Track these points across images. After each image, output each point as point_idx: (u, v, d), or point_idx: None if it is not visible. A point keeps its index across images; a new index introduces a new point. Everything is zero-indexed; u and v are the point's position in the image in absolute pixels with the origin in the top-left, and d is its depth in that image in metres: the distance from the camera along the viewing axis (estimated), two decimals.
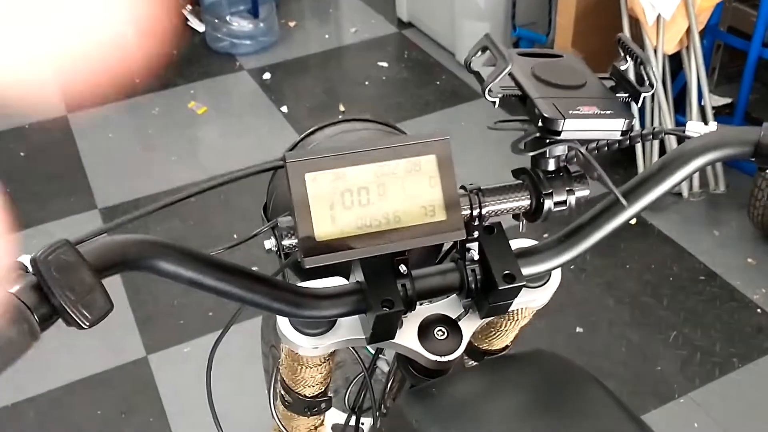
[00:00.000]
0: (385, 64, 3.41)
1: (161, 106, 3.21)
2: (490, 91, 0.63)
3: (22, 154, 2.95)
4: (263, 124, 3.07)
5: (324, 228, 0.61)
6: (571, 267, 2.26)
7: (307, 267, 0.61)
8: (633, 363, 2.01)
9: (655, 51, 2.41)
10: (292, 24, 3.77)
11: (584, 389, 0.67)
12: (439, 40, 3.45)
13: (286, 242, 0.64)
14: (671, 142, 2.34)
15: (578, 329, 2.10)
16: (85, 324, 0.53)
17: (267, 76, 3.37)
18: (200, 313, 2.20)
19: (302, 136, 1.00)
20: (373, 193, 0.62)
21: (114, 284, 2.29)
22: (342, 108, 3.11)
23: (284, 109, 3.13)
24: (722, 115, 2.68)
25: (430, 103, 3.11)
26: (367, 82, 3.31)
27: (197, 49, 3.58)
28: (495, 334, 0.87)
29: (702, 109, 2.46)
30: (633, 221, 2.38)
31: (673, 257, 2.31)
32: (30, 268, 0.53)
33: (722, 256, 2.29)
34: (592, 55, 2.94)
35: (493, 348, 0.89)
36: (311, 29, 3.78)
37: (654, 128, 0.79)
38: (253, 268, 0.66)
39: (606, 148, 0.79)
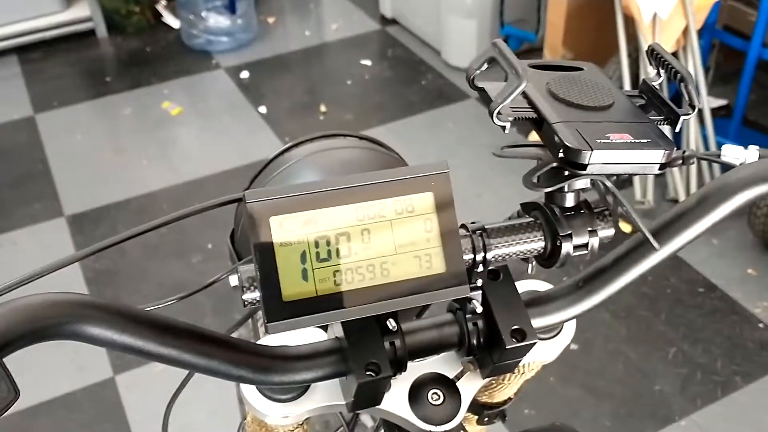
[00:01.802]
0: (368, 63, 3.29)
1: (133, 106, 3.06)
2: (499, 113, 0.51)
3: None
4: (241, 125, 2.94)
5: (293, 286, 0.49)
6: (564, 279, 2.15)
7: (271, 334, 0.49)
8: (630, 382, 1.90)
9: None
10: (270, 20, 3.63)
11: None
12: (425, 37, 3.33)
13: (248, 296, 0.52)
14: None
15: (573, 346, 1.99)
16: None
17: (245, 74, 3.23)
18: None
19: (277, 153, 0.87)
20: (355, 240, 0.50)
21: (78, 287, 2.16)
22: (323, 109, 2.98)
23: (262, 109, 3.00)
24: (718, 117, 2.58)
25: (415, 104, 2.98)
26: (349, 81, 3.18)
27: (172, 47, 3.44)
28: (497, 387, 0.75)
29: (699, 112, 2.36)
30: (628, 229, 2.29)
31: (671, 268, 2.20)
32: None
33: (722, 266, 2.19)
34: (583, 55, 2.83)
35: (493, 401, 0.78)
36: (291, 26, 3.64)
37: (684, 152, 0.67)
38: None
39: (626, 176, 0.67)
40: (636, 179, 2.36)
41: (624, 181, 2.38)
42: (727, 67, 2.74)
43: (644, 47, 2.32)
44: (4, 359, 0.43)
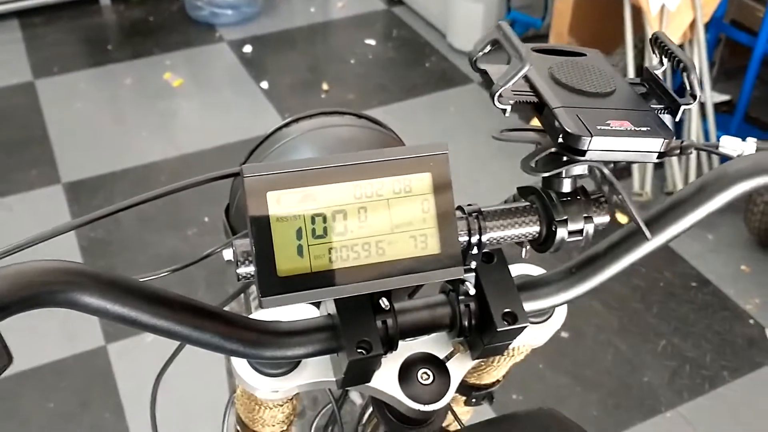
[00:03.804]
0: (372, 42, 3.27)
1: (134, 75, 3.05)
2: (500, 96, 0.51)
3: None
4: (242, 100, 2.92)
5: (288, 261, 0.49)
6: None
7: (264, 308, 0.49)
8: (619, 373, 1.91)
9: None
10: None
11: None
12: (431, 19, 3.31)
13: (242, 270, 0.51)
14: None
15: (563, 334, 2.00)
16: None
17: (248, 49, 3.21)
18: None
19: (275, 128, 0.87)
20: (352, 218, 0.50)
21: (72, 256, 2.15)
22: (325, 87, 2.97)
23: (264, 85, 2.98)
24: (720, 112, 2.57)
25: (418, 86, 2.97)
26: (352, 60, 3.16)
27: (175, 17, 3.41)
28: (485, 369, 0.76)
29: (702, 106, 2.35)
30: (625, 220, 2.29)
31: (665, 261, 2.21)
32: None
33: (715, 262, 2.20)
34: (589, 44, 2.82)
35: (482, 383, 0.78)
36: (296, 1, 3.61)
37: (682, 142, 0.67)
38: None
39: (624, 164, 0.67)
40: (635, 171, 2.36)
41: (622, 171, 2.38)
42: (732, 62, 2.73)
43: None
44: None
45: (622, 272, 0.62)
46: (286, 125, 0.83)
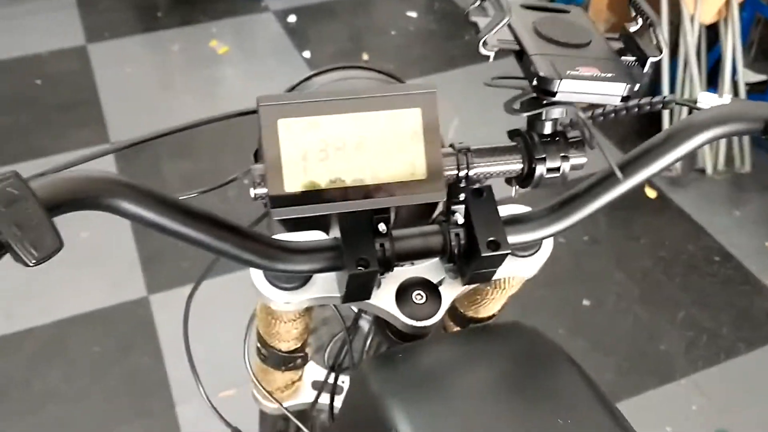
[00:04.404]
0: (413, 15, 3.33)
1: (182, 42, 3.16)
2: (485, 43, 0.58)
3: (38, 81, 2.92)
4: (284, 68, 3.02)
5: (295, 179, 0.57)
6: (584, 238, 2.21)
7: (276, 218, 0.57)
8: (637, 340, 1.97)
9: (692, 19, 2.32)
10: None
11: (558, 369, 0.63)
12: None
13: (257, 191, 0.60)
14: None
15: (585, 302, 2.06)
16: (30, 261, 0.50)
17: (292, 19, 3.30)
18: (206, 256, 2.17)
19: (299, 80, 0.95)
20: (350, 145, 0.58)
21: (120, 219, 2.28)
22: (365, 57, 3.04)
23: (306, 54, 3.07)
24: (756, 92, 2.58)
25: (456, 58, 3.03)
26: (393, 32, 3.23)
27: None
28: (481, 301, 0.83)
29: (735, 84, 2.37)
30: (653, 195, 2.33)
31: (690, 235, 2.25)
32: None
33: (740, 237, 2.23)
34: (627, 19, 2.84)
35: (479, 316, 0.85)
36: None
37: (664, 97, 0.73)
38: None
39: (613, 114, 0.74)
40: None
41: None
42: None
43: (686, 15, 2.33)
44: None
45: (598, 210, 0.69)
46: (310, 78, 0.91)
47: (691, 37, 2.33)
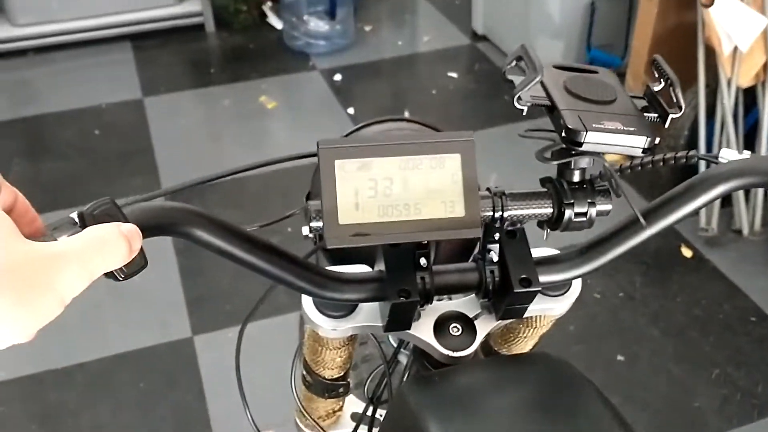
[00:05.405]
0: (454, 75, 3.44)
1: (232, 97, 3.31)
2: (519, 98, 0.65)
3: (96, 132, 3.08)
4: (329, 123, 3.13)
5: (348, 212, 0.64)
6: (620, 294, 2.25)
7: (329, 247, 0.64)
8: (671, 396, 1.98)
9: (729, 83, 2.38)
10: (367, 28, 3.83)
11: (588, 400, 0.68)
12: None
13: (313, 224, 0.67)
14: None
15: (619, 357, 2.08)
16: (120, 276, 0.57)
17: (338, 77, 3.44)
18: (249, 300, 2.25)
19: (352, 129, 1.04)
20: (397, 184, 0.65)
21: (169, 264, 2.38)
22: (407, 114, 3.15)
23: (351, 110, 3.19)
24: None
25: (496, 116, 3.12)
26: (434, 91, 3.34)
27: (273, 46, 3.68)
28: (514, 339, 0.89)
29: None
30: (689, 254, 2.36)
31: (726, 295, 2.26)
32: (77, 222, 0.58)
33: None
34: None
35: (512, 353, 0.91)
36: (386, 34, 3.83)
37: (688, 152, 0.80)
38: None
39: (639, 167, 0.80)
40: (702, 212, 2.42)
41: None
42: None
43: (723, 79, 2.39)
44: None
45: (623, 254, 0.74)
46: (360, 128, 1.00)
47: (727, 100, 2.39)
